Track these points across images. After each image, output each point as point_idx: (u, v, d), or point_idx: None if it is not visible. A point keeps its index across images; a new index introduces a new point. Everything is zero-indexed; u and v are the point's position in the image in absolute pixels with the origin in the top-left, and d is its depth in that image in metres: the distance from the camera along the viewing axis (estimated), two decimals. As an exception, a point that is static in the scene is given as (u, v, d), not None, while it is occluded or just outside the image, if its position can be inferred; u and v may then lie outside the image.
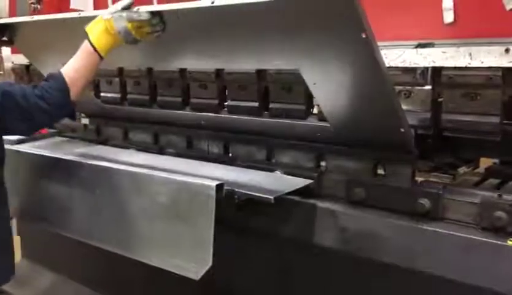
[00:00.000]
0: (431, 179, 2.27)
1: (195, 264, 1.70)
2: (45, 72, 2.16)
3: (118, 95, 2.63)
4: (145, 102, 2.51)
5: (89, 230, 2.08)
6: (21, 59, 3.12)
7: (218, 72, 2.18)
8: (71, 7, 2.73)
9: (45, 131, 2.90)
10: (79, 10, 2.68)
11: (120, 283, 2.65)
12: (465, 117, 1.59)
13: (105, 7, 2.55)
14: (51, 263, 3.15)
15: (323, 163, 2.02)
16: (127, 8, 1.83)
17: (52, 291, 3.11)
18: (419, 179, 1.90)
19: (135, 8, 1.82)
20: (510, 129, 1.78)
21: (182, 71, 2.31)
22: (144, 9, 1.81)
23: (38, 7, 2.80)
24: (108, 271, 2.66)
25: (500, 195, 1.62)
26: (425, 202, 1.66)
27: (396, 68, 1.69)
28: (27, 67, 3.12)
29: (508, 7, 1.48)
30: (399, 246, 1.67)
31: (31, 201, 2.32)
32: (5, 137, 1.95)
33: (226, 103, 2.25)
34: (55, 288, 3.11)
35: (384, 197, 1.76)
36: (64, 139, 2.90)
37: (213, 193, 1.67)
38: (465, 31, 1.57)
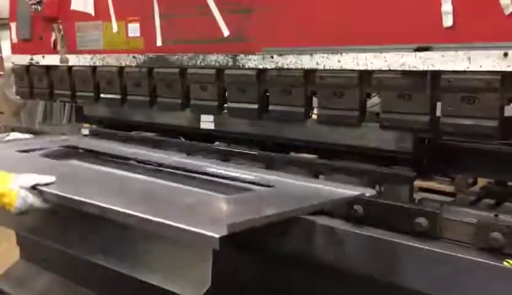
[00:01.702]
0: (431, 184, 2.29)
1: (194, 284, 1.70)
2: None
3: (118, 96, 2.65)
4: (145, 104, 2.53)
5: (90, 248, 2.08)
6: (21, 60, 3.13)
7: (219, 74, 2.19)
8: (72, 8, 2.73)
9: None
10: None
11: (117, 284, 2.65)
12: (464, 121, 1.60)
13: (106, 8, 2.57)
14: (49, 264, 3.15)
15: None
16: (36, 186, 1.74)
17: (50, 292, 3.11)
18: (418, 183, 1.92)
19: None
20: (506, 149, 1.80)
21: (182, 72, 2.33)
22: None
23: (39, 7, 2.80)
24: (107, 273, 2.66)
25: (496, 215, 1.63)
26: (423, 221, 1.66)
27: (395, 71, 1.70)
28: (27, 67, 3.12)
29: (506, 11, 1.49)
30: (396, 265, 1.68)
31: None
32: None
33: (226, 105, 2.26)
34: (53, 289, 3.11)
35: (382, 215, 1.76)
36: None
37: None
38: (464, 35, 1.57)
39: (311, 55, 1.88)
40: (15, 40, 3.17)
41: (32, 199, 1.73)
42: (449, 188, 3.07)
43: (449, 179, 2.63)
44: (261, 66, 2.03)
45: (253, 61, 2.05)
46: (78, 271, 2.92)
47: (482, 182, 2.22)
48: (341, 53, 1.80)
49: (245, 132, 2.32)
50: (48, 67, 3.00)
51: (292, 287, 1.96)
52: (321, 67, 1.86)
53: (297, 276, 1.94)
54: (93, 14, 2.67)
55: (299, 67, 1.92)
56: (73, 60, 2.81)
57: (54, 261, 3.07)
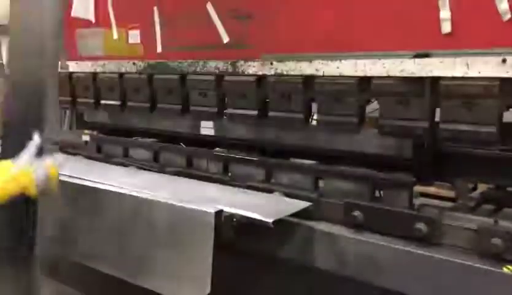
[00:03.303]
0: (431, 189, 2.29)
1: (193, 290, 1.70)
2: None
3: (117, 102, 2.66)
4: (145, 110, 2.53)
5: (90, 253, 2.09)
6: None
7: (218, 80, 2.20)
8: (72, 15, 2.74)
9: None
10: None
11: (117, 290, 2.64)
12: (462, 127, 1.60)
13: (107, 15, 2.58)
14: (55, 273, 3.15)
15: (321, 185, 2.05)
16: None
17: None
18: (418, 187, 1.92)
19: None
20: (505, 154, 1.80)
21: (182, 78, 2.34)
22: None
23: (40, 15, 2.82)
24: (111, 281, 2.66)
25: (496, 221, 1.63)
26: (422, 227, 1.67)
27: (395, 78, 1.70)
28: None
29: (505, 18, 1.49)
30: (396, 270, 1.68)
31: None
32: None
33: (225, 111, 2.26)
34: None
35: (381, 221, 1.77)
36: (65, 156, 2.90)
37: (212, 220, 1.69)
38: (462, 41, 1.57)
39: (310, 61, 1.88)
40: (15, 46, 3.18)
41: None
42: (449, 193, 3.06)
43: (449, 184, 2.62)
44: (260, 72, 2.04)
45: (253, 68, 2.06)
46: (77, 277, 2.92)
47: (482, 187, 2.22)
48: (340, 60, 1.81)
49: (245, 138, 2.32)
50: (48, 74, 3.01)
51: (291, 292, 1.96)
52: (320, 73, 1.87)
53: (296, 281, 1.94)
54: (93, 21, 2.68)
55: (299, 73, 1.93)
56: (74, 67, 2.83)
57: (54, 267, 3.07)
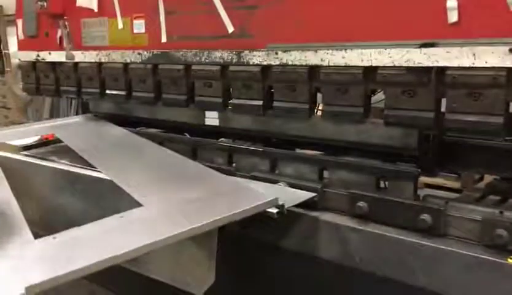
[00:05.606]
0: (438, 180, 2.28)
1: (198, 280, 1.71)
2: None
3: (122, 92, 2.66)
4: (150, 100, 2.53)
5: None
6: (27, 56, 3.14)
7: (223, 70, 2.19)
8: (77, 4, 2.74)
9: (52, 136, 2.94)
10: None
11: (122, 280, 2.65)
12: (468, 117, 1.59)
13: (111, 4, 2.58)
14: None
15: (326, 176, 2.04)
16: None
17: (66, 290, 3.12)
18: (424, 179, 1.91)
19: None
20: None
21: (187, 68, 2.33)
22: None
23: (45, 4, 2.81)
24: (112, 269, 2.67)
25: (501, 212, 1.63)
26: (427, 218, 1.66)
27: (400, 68, 1.69)
28: (33, 64, 3.13)
29: (511, 7, 1.48)
30: (400, 261, 1.67)
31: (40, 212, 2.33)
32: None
33: (230, 101, 2.26)
34: (68, 287, 3.11)
35: (386, 212, 1.76)
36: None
37: None
38: (469, 31, 1.56)
39: (315, 51, 1.87)
40: (21, 36, 3.19)
41: None
42: (455, 184, 3.06)
43: (455, 175, 2.61)
44: (265, 63, 2.03)
45: (258, 58, 2.05)
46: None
47: (488, 178, 2.21)
48: (346, 50, 1.80)
49: (249, 128, 2.32)
50: (54, 64, 3.01)
51: (296, 283, 1.96)
52: (325, 63, 1.86)
53: (300, 271, 1.94)
54: (97, 10, 2.67)
55: (304, 63, 1.92)
56: (79, 56, 2.83)
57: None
